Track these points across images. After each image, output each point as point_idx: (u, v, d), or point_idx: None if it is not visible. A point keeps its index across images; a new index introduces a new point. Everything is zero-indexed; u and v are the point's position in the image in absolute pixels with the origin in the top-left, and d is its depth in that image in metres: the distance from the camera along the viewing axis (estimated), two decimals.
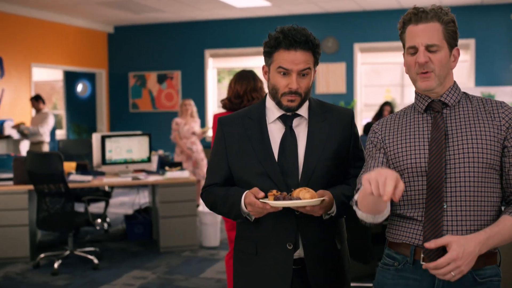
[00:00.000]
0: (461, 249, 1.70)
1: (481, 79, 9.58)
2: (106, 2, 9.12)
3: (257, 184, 2.11)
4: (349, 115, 2.27)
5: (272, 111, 2.21)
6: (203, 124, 11.20)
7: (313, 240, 2.16)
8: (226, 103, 3.80)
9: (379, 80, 12.08)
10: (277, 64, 2.11)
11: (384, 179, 1.60)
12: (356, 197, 1.95)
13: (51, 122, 8.93)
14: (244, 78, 3.87)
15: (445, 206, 1.83)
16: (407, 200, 1.91)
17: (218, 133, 2.28)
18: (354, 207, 1.95)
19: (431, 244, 1.74)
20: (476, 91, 9.36)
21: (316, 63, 2.17)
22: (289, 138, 2.16)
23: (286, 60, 2.08)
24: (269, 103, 2.23)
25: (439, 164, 1.83)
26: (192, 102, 8.51)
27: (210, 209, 2.31)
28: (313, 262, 2.15)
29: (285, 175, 2.12)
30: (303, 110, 2.19)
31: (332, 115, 2.22)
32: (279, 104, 2.15)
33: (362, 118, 10.39)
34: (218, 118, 2.32)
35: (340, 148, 2.19)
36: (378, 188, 1.61)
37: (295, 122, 2.18)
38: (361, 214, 1.91)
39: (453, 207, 1.82)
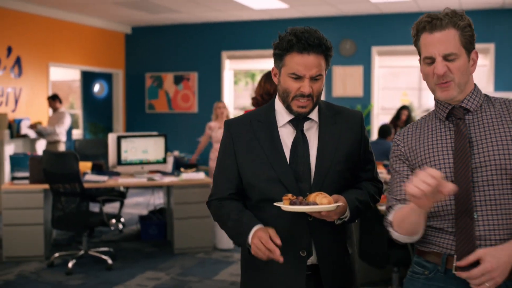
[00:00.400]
0: (494, 260, 1.66)
1: (500, 83, 9.47)
2: (123, 2, 9.14)
3: (269, 189, 2.06)
4: (359, 117, 2.21)
5: (282, 115, 2.14)
6: None
7: (326, 245, 2.11)
8: (258, 100, 3.94)
9: (396, 83, 12.02)
10: (289, 69, 2.04)
11: (427, 174, 1.59)
12: (390, 217, 1.90)
13: (67, 121, 8.97)
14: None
15: (475, 216, 1.76)
16: (435, 211, 1.84)
17: (226, 136, 2.21)
18: (389, 228, 1.90)
19: (463, 263, 1.71)
20: (496, 96, 9.24)
21: (327, 66, 2.10)
22: (300, 142, 2.10)
23: (299, 65, 2.01)
24: (278, 106, 2.16)
25: (465, 173, 1.77)
26: (225, 105, 8.04)
27: (216, 221, 2.25)
28: (327, 268, 2.11)
29: (297, 180, 2.06)
30: (314, 114, 2.14)
31: (342, 118, 2.17)
32: (288, 108, 2.09)
33: (379, 121, 10.31)
34: (225, 121, 2.25)
35: (352, 152, 2.14)
36: (430, 184, 1.57)
37: (306, 125, 2.12)
38: (398, 235, 1.87)
39: (484, 216, 1.76)
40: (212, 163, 7.71)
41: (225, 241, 6.36)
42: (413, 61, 10.09)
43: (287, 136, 2.12)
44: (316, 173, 2.07)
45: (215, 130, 7.73)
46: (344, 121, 2.16)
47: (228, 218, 2.13)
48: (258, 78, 15.95)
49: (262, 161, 2.10)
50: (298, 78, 2.03)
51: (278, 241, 1.92)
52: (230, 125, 2.21)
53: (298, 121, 2.11)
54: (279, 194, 2.01)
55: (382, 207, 4.06)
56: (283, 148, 2.10)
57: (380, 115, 10.42)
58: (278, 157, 2.08)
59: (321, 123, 2.13)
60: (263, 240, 1.93)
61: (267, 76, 3.96)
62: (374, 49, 10.19)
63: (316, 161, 2.08)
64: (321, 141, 2.11)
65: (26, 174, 6.08)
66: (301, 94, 2.02)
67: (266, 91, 3.96)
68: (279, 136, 2.12)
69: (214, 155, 7.76)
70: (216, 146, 7.67)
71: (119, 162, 6.37)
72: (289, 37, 2.02)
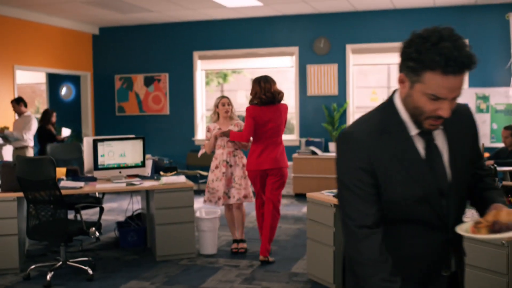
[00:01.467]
0: None
1: (475, 80, 9.46)
2: (92, 1, 8.82)
3: (413, 209, 1.86)
4: (469, 110, 2.03)
5: (409, 124, 1.88)
6: (191, 128, 10.95)
7: (463, 258, 2.04)
8: (263, 98, 5.75)
9: (365, 82, 11.94)
10: (427, 88, 1.74)
11: None
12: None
13: (34, 126, 8.63)
14: (271, 80, 5.87)
15: None
16: None
17: (351, 151, 1.88)
18: None
19: None
20: (471, 92, 9.25)
21: None
22: (435, 154, 1.89)
23: (442, 87, 1.72)
24: (405, 116, 1.88)
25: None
26: (230, 100, 6.32)
27: (352, 265, 1.93)
28: (462, 276, 2.06)
29: (441, 196, 1.87)
30: None
31: (456, 117, 1.92)
32: (417, 123, 1.85)
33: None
34: (343, 133, 1.93)
35: (472, 151, 2.01)
36: None
37: (435, 134, 1.91)
38: None
39: None
40: (212, 174, 6.19)
41: (209, 246, 6.14)
42: (384, 59, 10.08)
43: (420, 148, 1.88)
44: (453, 186, 1.90)
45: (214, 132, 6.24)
46: (458, 117, 1.94)
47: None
48: (230, 78, 15.76)
49: (403, 179, 1.85)
50: (437, 99, 1.75)
51: None
52: (356, 139, 1.88)
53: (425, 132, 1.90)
54: (423, 213, 1.87)
55: None
56: (422, 163, 1.86)
57: (356, 113, 10.32)
58: (421, 173, 1.85)
59: (446, 129, 1.93)
60: None
61: (265, 79, 5.84)
62: (349, 47, 10.09)
63: (452, 172, 1.90)
64: (452, 149, 1.92)
65: None
66: (438, 116, 1.78)
67: (267, 89, 5.79)
68: (416, 149, 1.87)
69: (214, 164, 6.18)
70: (218, 152, 6.21)
71: (96, 167, 6.08)
72: (433, 55, 1.69)
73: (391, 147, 1.85)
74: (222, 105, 6.19)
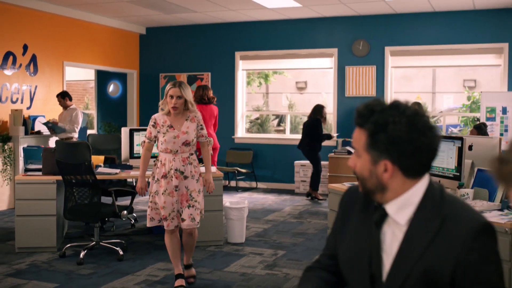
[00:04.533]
0: None
1: None
2: (138, 1, 9.21)
3: (346, 274, 1.83)
4: (471, 229, 1.58)
5: None
6: (231, 126, 11.21)
7: None
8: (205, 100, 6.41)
9: (409, 87, 11.95)
10: None
11: None
12: None
13: (79, 118, 8.95)
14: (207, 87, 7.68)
15: None
16: None
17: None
18: None
19: None
20: (510, 96, 9.18)
21: (373, 149, 1.66)
22: (375, 241, 1.72)
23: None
24: None
25: None
26: (181, 92, 4.69)
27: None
28: None
29: (372, 282, 1.72)
30: (394, 209, 1.68)
31: (444, 226, 1.62)
32: None
33: None
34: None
35: (436, 274, 1.59)
36: None
37: (389, 224, 1.71)
38: None
39: None
40: (156, 185, 4.80)
41: (236, 235, 6.36)
42: (427, 61, 10.12)
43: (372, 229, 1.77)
44: (387, 283, 1.67)
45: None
46: (445, 230, 1.61)
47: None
48: (272, 79, 16.02)
49: (348, 244, 1.82)
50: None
51: None
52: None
53: (377, 208, 1.73)
54: (352, 280, 1.80)
55: None
56: (365, 243, 1.75)
57: None
58: (361, 253, 1.76)
59: (409, 229, 1.66)
60: None
61: (205, 86, 7.72)
62: (387, 49, 10.17)
63: (389, 274, 1.67)
64: (400, 252, 1.66)
65: (39, 166, 6.13)
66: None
67: (207, 94, 7.76)
68: (370, 228, 1.76)
69: (159, 171, 4.79)
70: (165, 157, 4.86)
71: (132, 155, 6.40)
72: None
73: (360, 213, 1.82)
74: (170, 98, 4.63)
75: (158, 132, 4.73)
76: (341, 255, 1.84)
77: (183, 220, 4.70)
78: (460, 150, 4.38)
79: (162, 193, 4.66)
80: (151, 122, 4.78)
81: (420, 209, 1.66)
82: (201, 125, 4.84)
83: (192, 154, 4.78)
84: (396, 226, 1.69)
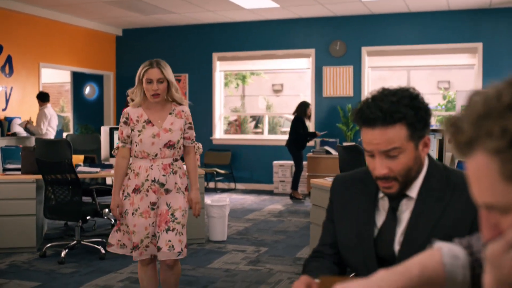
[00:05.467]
0: None
1: (489, 83, 9.55)
2: (115, 2, 9.16)
3: (349, 260, 1.87)
4: None
5: None
6: (209, 128, 11.20)
7: None
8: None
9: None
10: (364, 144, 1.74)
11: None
12: None
13: (41, 118, 8.87)
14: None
15: None
16: None
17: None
18: None
19: None
20: None
21: (415, 135, 1.67)
22: (389, 221, 1.79)
23: (364, 141, 1.71)
24: None
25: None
26: (162, 74, 3.76)
27: None
28: None
29: (380, 264, 1.74)
30: (413, 189, 1.76)
31: (454, 193, 1.72)
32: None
33: None
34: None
35: (456, 235, 1.57)
36: None
37: (403, 204, 1.78)
38: None
39: None
40: (127, 202, 3.75)
41: (218, 233, 6.35)
42: (403, 61, 10.25)
43: (383, 210, 1.82)
44: (398, 260, 1.61)
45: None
46: (457, 196, 1.72)
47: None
48: (249, 81, 16.05)
49: (350, 232, 1.86)
50: (372, 156, 1.71)
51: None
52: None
53: (395, 197, 1.78)
54: (358, 265, 1.83)
55: None
56: (373, 226, 1.81)
57: None
58: (365, 236, 1.81)
59: (418, 200, 1.75)
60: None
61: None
62: (364, 49, 10.27)
63: (400, 246, 1.74)
64: (411, 224, 1.74)
65: (18, 166, 6.06)
66: (382, 177, 1.70)
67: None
68: (374, 210, 1.82)
69: (130, 183, 3.74)
70: (140, 165, 3.82)
71: (112, 154, 6.35)
72: (354, 110, 1.74)
73: (356, 198, 1.87)
74: (148, 83, 3.59)
75: (132, 130, 3.59)
76: (342, 241, 1.87)
77: (159, 248, 3.57)
78: (441, 143, 4.46)
79: (133, 213, 3.57)
80: (122, 118, 3.66)
81: (427, 179, 1.76)
82: (190, 123, 3.73)
83: (176, 160, 3.67)
84: (408, 203, 1.77)
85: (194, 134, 3.79)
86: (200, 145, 4.03)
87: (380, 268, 1.61)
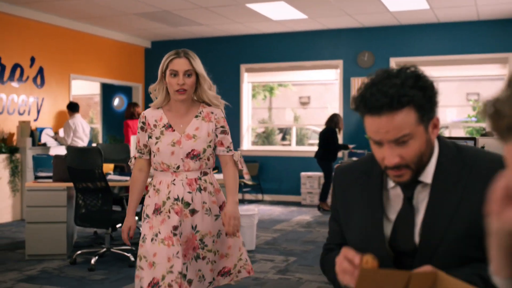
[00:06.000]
0: None
1: None
2: (144, 13, 9.27)
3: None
4: (500, 167, 1.46)
5: None
6: (236, 139, 11.21)
7: None
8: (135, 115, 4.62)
9: None
10: (368, 133, 1.60)
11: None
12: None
13: (66, 128, 8.97)
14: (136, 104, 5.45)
15: None
16: None
17: (333, 190, 1.86)
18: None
19: None
20: None
21: (424, 117, 1.54)
22: (405, 213, 1.65)
23: (369, 130, 1.57)
24: None
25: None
26: (191, 64, 3.15)
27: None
28: None
29: (395, 262, 1.66)
30: (426, 174, 1.62)
31: (473, 173, 1.60)
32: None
33: None
34: (336, 170, 1.88)
35: (478, 221, 1.51)
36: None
37: (417, 190, 1.65)
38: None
39: None
40: (146, 226, 3.18)
41: (246, 242, 6.34)
42: (432, 71, 10.14)
43: (395, 201, 1.69)
44: (420, 250, 1.61)
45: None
46: (475, 177, 1.60)
47: (325, 265, 1.88)
48: (277, 92, 16.08)
49: (357, 230, 1.74)
50: (379, 144, 1.57)
51: (356, 259, 1.49)
52: (336, 174, 1.86)
53: (408, 184, 1.65)
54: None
55: None
56: (383, 220, 1.68)
57: None
58: (376, 233, 1.68)
59: (434, 185, 1.62)
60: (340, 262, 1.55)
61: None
62: (392, 60, 10.22)
63: (421, 237, 1.62)
64: (430, 208, 1.61)
65: (49, 174, 6.14)
66: (393, 167, 1.56)
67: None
68: (382, 204, 1.69)
69: (150, 202, 3.12)
70: (161, 179, 3.15)
71: (128, 166, 6.39)
72: (357, 97, 1.58)
73: (359, 192, 1.75)
74: (173, 76, 2.97)
75: (150, 137, 2.99)
76: (352, 239, 1.75)
77: (189, 282, 2.90)
78: None
79: (152, 240, 2.89)
80: (139, 123, 3.05)
81: (440, 162, 1.63)
82: (222, 127, 3.08)
83: (206, 173, 3.01)
84: (423, 188, 1.65)
85: (230, 141, 3.12)
86: (238, 152, 3.13)
87: (397, 265, 1.61)
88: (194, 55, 3.07)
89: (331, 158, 9.46)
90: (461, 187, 1.59)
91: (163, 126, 2.98)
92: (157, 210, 2.93)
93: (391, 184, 1.68)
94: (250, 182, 10.64)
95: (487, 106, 0.89)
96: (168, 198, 2.91)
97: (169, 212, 2.90)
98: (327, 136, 9.40)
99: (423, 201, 1.64)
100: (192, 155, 2.95)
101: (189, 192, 2.92)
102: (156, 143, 2.95)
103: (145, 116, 3.02)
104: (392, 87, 1.50)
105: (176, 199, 2.91)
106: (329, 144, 9.38)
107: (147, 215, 2.95)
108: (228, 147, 3.10)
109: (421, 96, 1.52)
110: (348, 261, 1.48)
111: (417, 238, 1.62)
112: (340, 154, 10.14)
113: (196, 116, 3.03)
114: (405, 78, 1.52)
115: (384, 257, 1.60)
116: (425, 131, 1.57)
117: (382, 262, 1.53)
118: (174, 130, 2.97)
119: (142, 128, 3.02)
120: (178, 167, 2.93)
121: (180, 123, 2.99)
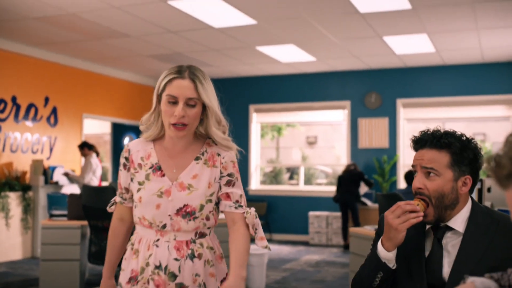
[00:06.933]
0: None
1: None
2: (157, 55, 9.51)
3: (403, 283, 1.97)
4: None
5: None
6: (245, 179, 11.32)
7: None
8: None
9: None
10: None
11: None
12: None
13: (87, 167, 9.10)
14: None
15: None
16: None
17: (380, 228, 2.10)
18: None
19: None
20: None
21: (455, 166, 1.89)
22: (435, 251, 1.91)
23: (413, 159, 1.98)
24: None
25: None
26: (197, 90, 2.23)
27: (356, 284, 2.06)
28: None
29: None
30: (457, 223, 1.91)
31: (498, 228, 1.86)
32: None
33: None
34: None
35: (502, 266, 1.68)
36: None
37: (447, 235, 1.93)
38: None
39: None
40: None
41: (256, 281, 6.39)
42: (435, 113, 10.30)
43: (429, 240, 1.96)
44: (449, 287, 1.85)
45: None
46: (500, 232, 1.85)
47: (363, 270, 2.04)
48: (285, 132, 16.24)
49: (403, 265, 1.96)
50: (415, 172, 1.98)
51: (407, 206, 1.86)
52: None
53: (438, 228, 1.94)
54: None
55: None
56: (422, 257, 1.93)
57: (406, 167, 10.49)
58: (417, 262, 1.93)
59: (466, 234, 1.88)
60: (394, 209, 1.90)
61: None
62: (399, 101, 10.39)
63: (450, 275, 1.85)
64: (459, 258, 1.86)
65: (63, 212, 6.25)
66: (414, 192, 1.96)
67: None
68: (423, 240, 1.96)
69: (126, 267, 2.22)
70: (141, 235, 2.24)
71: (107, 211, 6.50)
72: (414, 138, 2.00)
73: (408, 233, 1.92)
74: (170, 103, 2.20)
75: (132, 179, 2.20)
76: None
77: None
78: (480, 192, 4.49)
79: None
80: (121, 158, 2.26)
81: (472, 217, 1.91)
82: (230, 174, 2.20)
83: (203, 235, 2.15)
84: (453, 234, 1.91)
85: (240, 193, 2.19)
86: (252, 209, 2.18)
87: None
88: (203, 76, 2.22)
89: (359, 199, 9.85)
90: (488, 238, 1.84)
91: (150, 167, 2.15)
92: (133, 279, 2.11)
93: (427, 226, 1.96)
94: None
95: (490, 160, 1.08)
96: (147, 264, 2.07)
97: (148, 283, 2.07)
98: (359, 178, 9.79)
99: (451, 245, 1.90)
100: (185, 212, 2.08)
101: (176, 260, 2.07)
102: (139, 190, 2.13)
103: (129, 150, 2.23)
104: (441, 133, 1.91)
105: (158, 267, 2.05)
106: (358, 186, 9.73)
107: (120, 285, 2.16)
108: (237, 201, 2.17)
109: (459, 148, 1.86)
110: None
111: (445, 275, 1.86)
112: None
113: (197, 158, 2.18)
114: (455, 133, 1.91)
115: (423, 285, 1.88)
116: (453, 179, 1.87)
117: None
118: (164, 175, 2.14)
119: (124, 166, 2.20)
120: (164, 226, 2.08)
121: (174, 166, 2.16)
